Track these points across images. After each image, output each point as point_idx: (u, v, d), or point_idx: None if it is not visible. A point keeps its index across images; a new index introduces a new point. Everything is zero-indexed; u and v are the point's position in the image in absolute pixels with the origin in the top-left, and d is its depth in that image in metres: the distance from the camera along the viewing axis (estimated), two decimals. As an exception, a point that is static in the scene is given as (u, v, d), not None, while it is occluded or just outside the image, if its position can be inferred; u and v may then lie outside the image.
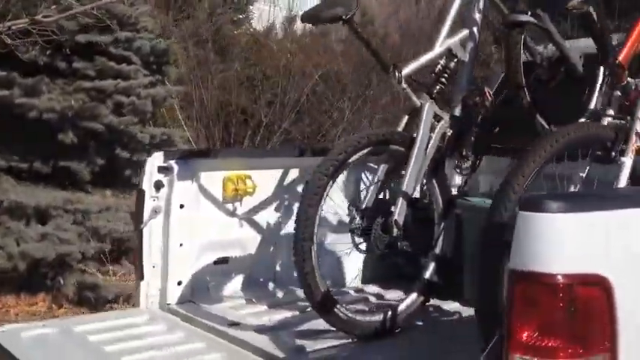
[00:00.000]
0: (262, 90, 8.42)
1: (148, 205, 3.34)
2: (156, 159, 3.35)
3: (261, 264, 3.66)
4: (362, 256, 3.82)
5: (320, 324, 3.08)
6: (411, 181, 2.88)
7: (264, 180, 3.65)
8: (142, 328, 3.05)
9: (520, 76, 2.92)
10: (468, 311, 3.26)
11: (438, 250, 3.08)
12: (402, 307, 3.02)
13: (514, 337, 1.81)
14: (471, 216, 3.15)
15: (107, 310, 5.48)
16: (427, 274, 3.09)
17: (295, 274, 3.67)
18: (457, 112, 3.06)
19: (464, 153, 3.10)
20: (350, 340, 2.89)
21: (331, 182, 2.81)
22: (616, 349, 1.81)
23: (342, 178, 3.89)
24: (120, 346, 2.83)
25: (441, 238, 3.09)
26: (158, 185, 3.34)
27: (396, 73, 2.92)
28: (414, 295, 3.07)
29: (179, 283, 3.38)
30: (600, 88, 2.94)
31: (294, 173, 3.75)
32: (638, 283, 1.85)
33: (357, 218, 2.91)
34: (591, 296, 1.78)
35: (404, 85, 2.94)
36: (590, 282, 1.78)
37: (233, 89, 8.25)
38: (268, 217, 3.69)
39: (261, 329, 3.03)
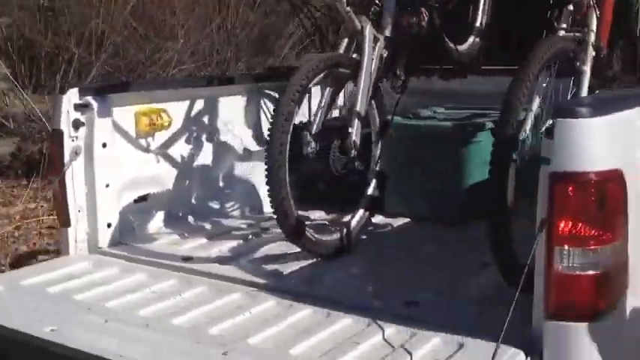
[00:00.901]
0: (68, 23, 7.81)
1: (68, 146, 3.09)
2: (72, 96, 3.09)
3: (178, 199, 3.58)
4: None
5: (271, 249, 3.15)
6: (363, 102, 2.98)
7: (178, 113, 3.54)
8: (96, 274, 2.88)
9: None
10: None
11: (377, 168, 3.24)
12: (353, 223, 3.16)
13: (554, 232, 2.04)
14: (402, 134, 3.35)
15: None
16: (370, 191, 3.25)
17: (215, 205, 3.71)
18: (388, 32, 3.16)
19: (397, 73, 3.24)
20: (312, 260, 2.98)
21: (297, 108, 2.82)
22: (627, 234, 2.12)
23: (242, 105, 3.94)
24: (89, 294, 2.66)
25: (378, 156, 3.24)
26: (77, 124, 3.10)
27: None
28: (361, 212, 3.21)
29: (109, 226, 3.21)
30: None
31: (200, 104, 3.67)
32: (638, 174, 2.17)
33: (312, 143, 2.94)
34: (615, 189, 2.06)
35: (348, 8, 2.99)
36: (613, 177, 2.05)
37: (36, 23, 7.57)
38: (182, 150, 3.60)
39: (219, 260, 3.01)
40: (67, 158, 3.08)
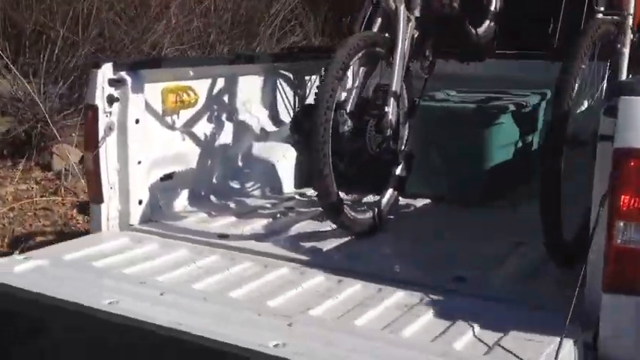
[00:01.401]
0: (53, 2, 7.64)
1: (102, 121, 3.07)
2: (106, 71, 3.07)
3: (201, 178, 3.58)
4: (292, 163, 3.92)
5: (303, 227, 3.18)
6: (398, 81, 3.03)
7: (202, 91, 3.54)
8: (138, 250, 2.88)
9: None
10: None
11: (406, 148, 3.29)
12: (384, 203, 3.21)
13: (617, 207, 2.12)
14: (426, 115, 3.40)
15: None
16: (398, 171, 3.29)
17: (236, 185, 3.73)
18: (418, 12, 3.21)
19: (426, 54, 3.29)
20: (348, 238, 3.02)
21: (340, 85, 2.85)
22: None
23: (259, 85, 3.95)
24: (136, 268, 2.66)
25: (406, 136, 3.29)
26: (111, 99, 3.08)
27: None
28: (390, 191, 3.26)
29: (140, 203, 3.20)
30: None
31: (222, 83, 3.67)
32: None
33: (348, 121, 2.97)
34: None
35: None
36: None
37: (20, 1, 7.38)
38: (205, 129, 3.60)
39: (255, 237, 3.03)
40: (101, 134, 3.07)
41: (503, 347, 2.09)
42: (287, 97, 4.14)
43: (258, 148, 3.88)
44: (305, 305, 2.35)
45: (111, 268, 2.67)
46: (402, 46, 3.07)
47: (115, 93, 3.09)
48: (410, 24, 3.16)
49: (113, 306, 2.28)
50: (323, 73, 2.82)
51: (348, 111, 3.01)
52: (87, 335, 2.29)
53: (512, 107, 3.57)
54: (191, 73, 3.46)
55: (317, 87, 2.82)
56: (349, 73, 3.05)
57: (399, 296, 2.44)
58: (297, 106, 4.20)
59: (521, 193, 3.71)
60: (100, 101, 3.05)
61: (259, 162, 3.85)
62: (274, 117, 4.05)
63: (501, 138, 3.57)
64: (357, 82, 3.11)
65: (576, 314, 2.20)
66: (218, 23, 9.08)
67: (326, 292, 2.47)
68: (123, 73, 3.11)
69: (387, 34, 3.14)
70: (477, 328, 2.22)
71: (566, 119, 2.47)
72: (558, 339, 2.07)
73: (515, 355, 2.04)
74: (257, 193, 3.77)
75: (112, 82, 3.08)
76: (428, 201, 3.60)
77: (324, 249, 2.91)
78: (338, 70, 2.81)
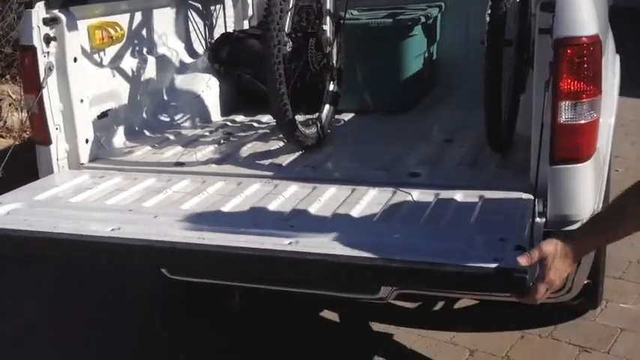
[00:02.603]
0: None
1: (41, 62, 3.03)
2: (39, 10, 3.01)
3: (132, 113, 3.62)
4: (217, 92, 4.03)
5: (253, 148, 3.34)
6: (331, 1, 3.22)
7: (126, 26, 3.56)
8: (106, 184, 2.92)
9: None
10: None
11: (338, 65, 3.50)
12: (323, 117, 3.42)
13: (560, 90, 2.46)
14: (348, 33, 3.61)
15: None
16: (331, 87, 3.51)
17: (166, 117, 3.80)
18: None
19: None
20: (300, 153, 3.22)
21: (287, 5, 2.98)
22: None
23: (172, 17, 3.98)
24: (117, 198, 2.74)
25: (336, 53, 3.49)
26: (48, 39, 3.04)
27: None
28: (327, 106, 3.47)
29: (87, 141, 3.21)
30: None
31: (139, 16, 3.68)
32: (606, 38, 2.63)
33: (289, 42, 3.12)
34: (597, 50, 2.51)
35: None
36: (597, 40, 2.49)
37: None
38: (131, 64, 3.62)
39: (212, 161, 3.16)
40: (42, 75, 3.03)
41: (485, 212, 2.41)
42: (198, 28, 4.20)
43: (182, 81, 3.95)
44: (296, 210, 2.55)
45: (90, 202, 2.72)
46: (333, -35, 3.25)
47: (51, 32, 3.05)
48: None
49: (118, 232, 2.36)
50: None
51: (287, 33, 3.16)
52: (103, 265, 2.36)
53: (423, 19, 3.87)
54: (116, 8, 3.46)
55: (265, 9, 2.94)
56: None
57: (372, 194, 2.69)
58: (207, 36, 4.28)
59: (429, 99, 4.08)
60: (37, 41, 3.00)
61: (185, 94, 3.92)
62: (190, 49, 4.11)
63: (415, 49, 3.87)
64: (290, 3, 3.25)
65: (526, 187, 2.57)
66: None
67: (308, 197, 2.67)
68: (56, 12, 3.06)
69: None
70: (451, 205, 2.52)
71: (504, 21, 2.78)
72: (522, 211, 2.43)
73: (495, 226, 2.34)
74: (188, 124, 3.85)
75: (47, 21, 3.03)
76: (353, 115, 3.85)
77: (285, 163, 3.09)
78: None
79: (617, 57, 3.66)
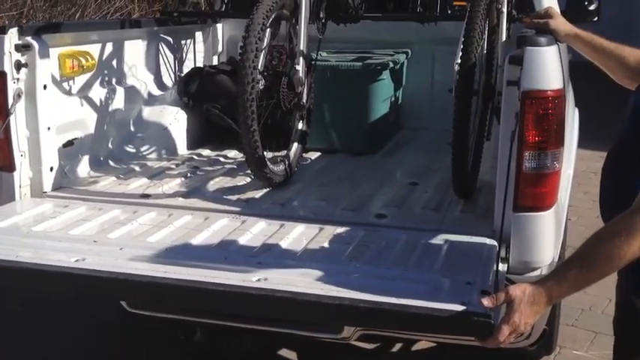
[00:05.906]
0: None
1: (11, 88, 3.01)
2: (12, 36, 3.00)
3: (98, 143, 3.60)
4: (184, 125, 4.03)
5: (220, 183, 3.34)
6: (305, 41, 3.27)
7: (100, 55, 3.56)
8: (69, 214, 2.88)
9: None
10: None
11: (307, 104, 3.53)
12: (291, 155, 3.44)
13: (526, 140, 2.54)
14: (318, 74, 3.67)
15: None
16: (301, 126, 3.54)
17: (132, 149, 3.78)
18: None
19: (321, 15, 3.55)
20: (267, 190, 3.23)
21: (262, 44, 3.02)
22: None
23: (143, 49, 4.00)
24: (81, 229, 2.70)
25: (306, 93, 3.53)
26: (19, 65, 3.02)
27: None
28: (296, 145, 3.50)
29: (51, 169, 3.18)
30: None
31: (110, 48, 3.69)
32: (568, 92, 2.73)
33: (262, 81, 3.15)
34: (562, 104, 2.61)
35: None
36: (562, 94, 2.59)
37: None
38: (100, 94, 3.61)
39: (178, 194, 3.14)
40: (10, 101, 3.00)
41: (452, 255, 2.46)
42: (168, 61, 4.22)
43: (150, 112, 3.95)
44: (265, 247, 2.56)
45: (54, 231, 2.68)
46: (307, 8, 3.31)
47: (22, 59, 3.03)
48: None
49: (81, 263, 2.33)
50: (244, 33, 2.97)
51: (260, 71, 3.19)
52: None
53: (391, 64, 3.95)
54: (89, 38, 3.47)
55: (240, 47, 2.97)
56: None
57: (340, 234, 2.71)
58: (177, 69, 4.30)
59: (394, 142, 4.16)
60: (8, 67, 2.98)
61: (152, 126, 3.92)
62: (159, 81, 4.12)
63: (382, 93, 3.95)
64: (265, 42, 3.30)
65: (490, 233, 2.63)
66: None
67: (276, 234, 2.68)
68: (29, 38, 3.05)
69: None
70: (418, 247, 2.56)
71: (473, 72, 2.86)
72: (487, 255, 2.48)
73: (461, 270, 2.38)
74: (154, 156, 3.84)
75: (19, 48, 3.02)
76: (319, 154, 3.89)
77: (253, 200, 3.10)
78: (259, 30, 2.97)
79: (577, 110, 3.79)
